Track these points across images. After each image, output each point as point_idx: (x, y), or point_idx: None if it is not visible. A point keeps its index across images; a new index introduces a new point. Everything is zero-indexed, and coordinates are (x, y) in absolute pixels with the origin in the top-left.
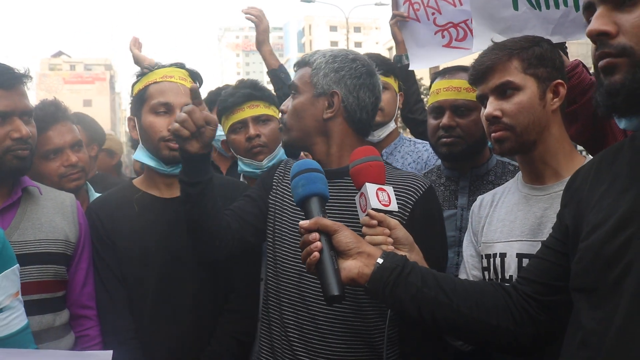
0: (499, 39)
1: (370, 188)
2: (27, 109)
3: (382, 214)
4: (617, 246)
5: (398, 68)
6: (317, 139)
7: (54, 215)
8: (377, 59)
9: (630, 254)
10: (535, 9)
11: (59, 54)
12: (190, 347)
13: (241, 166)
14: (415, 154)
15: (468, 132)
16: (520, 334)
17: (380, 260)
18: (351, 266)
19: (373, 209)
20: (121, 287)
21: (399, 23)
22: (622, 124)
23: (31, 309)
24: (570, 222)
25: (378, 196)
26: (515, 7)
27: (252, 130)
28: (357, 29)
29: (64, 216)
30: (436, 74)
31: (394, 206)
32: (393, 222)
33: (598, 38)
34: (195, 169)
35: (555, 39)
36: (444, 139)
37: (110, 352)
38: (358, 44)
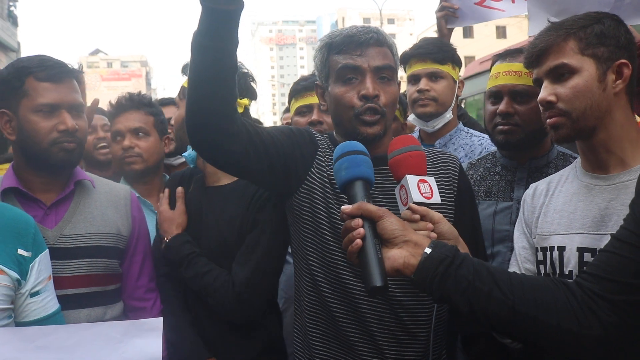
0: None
1: (412, 180)
2: (75, 102)
3: (424, 208)
4: None
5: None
6: None
7: (106, 209)
8: (433, 45)
9: None
10: None
11: (97, 51)
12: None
13: None
14: (469, 147)
15: (527, 120)
16: (584, 336)
17: (428, 250)
18: (396, 255)
19: (415, 202)
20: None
21: (447, 16)
22: None
23: (80, 301)
24: None
25: (420, 188)
26: None
27: (315, 116)
28: (391, 21)
29: (116, 209)
30: (497, 56)
31: (436, 198)
32: (437, 215)
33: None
34: None
35: None
36: (501, 127)
37: (161, 319)
38: (392, 36)
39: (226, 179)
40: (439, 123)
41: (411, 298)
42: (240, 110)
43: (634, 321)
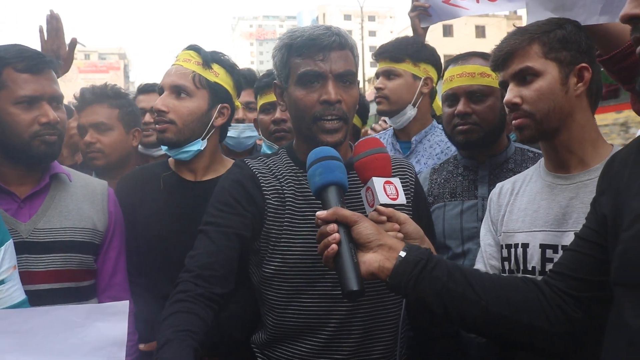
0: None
1: (378, 182)
2: (56, 94)
3: (390, 209)
4: None
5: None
6: None
7: (82, 203)
8: (393, 44)
9: None
10: None
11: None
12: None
13: (264, 148)
14: (444, 144)
15: (484, 119)
16: (554, 333)
17: (402, 253)
18: (371, 259)
19: (381, 204)
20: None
21: (421, 15)
22: None
23: (55, 297)
24: (608, 210)
25: (385, 190)
26: None
27: (278, 114)
28: (372, 18)
29: (92, 204)
30: (449, 61)
31: (402, 199)
32: (403, 216)
33: (630, 22)
34: None
35: (603, 19)
36: (460, 127)
37: (127, 302)
38: (372, 33)
39: (212, 174)
40: (400, 120)
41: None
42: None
43: (598, 316)
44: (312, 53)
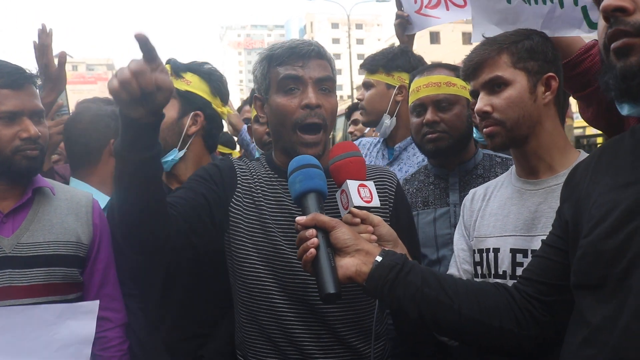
0: (492, 34)
1: (352, 185)
2: (36, 109)
3: (364, 212)
4: (620, 240)
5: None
6: None
7: (66, 216)
8: (370, 57)
9: (635, 247)
10: (526, 4)
11: None
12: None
13: (257, 155)
14: None
15: (452, 126)
16: (524, 336)
17: (379, 258)
18: (349, 264)
19: (355, 206)
20: None
21: (403, 25)
22: (624, 110)
23: None
24: (570, 218)
25: (360, 193)
26: (509, 1)
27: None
28: (359, 26)
29: (77, 217)
30: (414, 73)
31: (376, 202)
32: (376, 219)
33: (613, 14)
34: (138, 138)
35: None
36: (429, 135)
37: (97, 301)
38: (360, 41)
39: None
40: (382, 130)
41: (346, 312)
42: (224, 117)
43: (565, 320)
44: (292, 60)
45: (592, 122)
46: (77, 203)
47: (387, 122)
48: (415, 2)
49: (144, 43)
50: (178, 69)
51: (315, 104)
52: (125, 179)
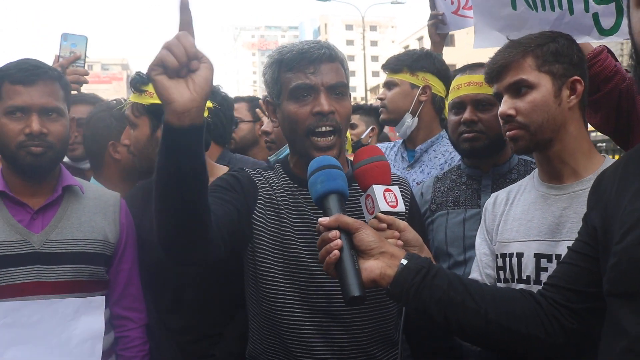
0: (495, 41)
1: (378, 190)
2: (48, 105)
3: (390, 217)
4: None
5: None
6: None
7: (94, 215)
8: (394, 57)
9: None
10: (532, 10)
11: None
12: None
13: None
14: (449, 155)
15: (490, 127)
16: (551, 343)
17: (404, 261)
18: (373, 266)
19: (382, 211)
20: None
21: (437, 23)
22: None
23: None
24: (598, 224)
25: (386, 198)
26: (514, 7)
27: (265, 126)
28: (373, 28)
29: (104, 216)
30: (457, 71)
31: (401, 207)
32: (402, 224)
33: None
34: (181, 147)
35: None
36: (466, 134)
37: (103, 297)
38: (374, 43)
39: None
40: (401, 129)
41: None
42: (205, 113)
43: (593, 327)
44: (303, 66)
45: (599, 127)
46: (105, 202)
47: (409, 121)
48: (452, 3)
49: (184, 7)
50: (137, 82)
51: (328, 111)
52: (173, 189)
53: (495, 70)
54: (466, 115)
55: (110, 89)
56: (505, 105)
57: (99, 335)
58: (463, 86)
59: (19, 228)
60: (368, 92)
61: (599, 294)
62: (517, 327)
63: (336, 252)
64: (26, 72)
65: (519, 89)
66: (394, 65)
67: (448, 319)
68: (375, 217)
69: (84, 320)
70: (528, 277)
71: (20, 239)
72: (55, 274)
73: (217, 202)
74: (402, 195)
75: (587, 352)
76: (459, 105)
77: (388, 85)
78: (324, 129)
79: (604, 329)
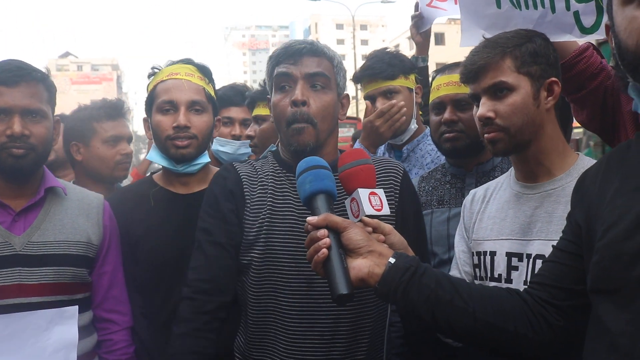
0: (480, 40)
1: (363, 193)
2: (31, 107)
3: (376, 221)
4: (637, 244)
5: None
6: None
7: (77, 217)
8: (380, 62)
9: None
10: (516, 9)
11: (66, 54)
12: None
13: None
14: (435, 153)
15: (470, 127)
16: (538, 341)
17: (392, 260)
18: (361, 265)
19: (367, 215)
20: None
21: (418, 24)
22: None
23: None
24: (582, 222)
25: (371, 201)
26: (499, 5)
27: (249, 130)
28: (364, 27)
29: (87, 217)
30: (436, 71)
31: (386, 210)
32: (387, 227)
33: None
34: None
35: None
36: (447, 134)
37: (76, 306)
38: (364, 42)
39: (202, 185)
40: (406, 135)
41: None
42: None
43: (579, 324)
44: (285, 58)
45: (585, 125)
46: (88, 204)
47: (414, 127)
48: None
49: None
50: (208, 74)
51: (300, 100)
52: None
53: (472, 71)
54: (446, 115)
55: (100, 89)
56: (484, 108)
57: (72, 344)
58: (442, 86)
59: (0, 230)
60: (358, 91)
61: (585, 292)
62: (505, 325)
63: (324, 250)
64: (9, 73)
65: (498, 91)
66: (389, 71)
67: (436, 318)
68: (360, 221)
69: (58, 330)
70: (500, 275)
71: (2, 241)
72: (37, 277)
73: (213, 260)
74: (390, 182)
75: (574, 349)
76: (439, 106)
77: (387, 93)
78: (296, 125)
79: (589, 326)
